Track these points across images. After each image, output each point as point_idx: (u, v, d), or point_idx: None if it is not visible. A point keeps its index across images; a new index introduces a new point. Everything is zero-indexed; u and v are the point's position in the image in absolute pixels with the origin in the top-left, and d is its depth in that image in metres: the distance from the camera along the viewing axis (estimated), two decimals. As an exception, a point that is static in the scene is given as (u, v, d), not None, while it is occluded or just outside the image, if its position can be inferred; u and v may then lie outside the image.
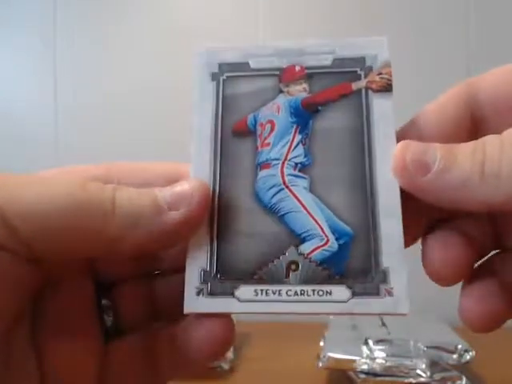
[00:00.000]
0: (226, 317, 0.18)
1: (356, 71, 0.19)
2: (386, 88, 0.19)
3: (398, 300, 0.17)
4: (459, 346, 0.41)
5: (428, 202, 0.17)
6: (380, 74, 0.19)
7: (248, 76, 0.20)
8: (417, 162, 0.16)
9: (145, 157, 0.81)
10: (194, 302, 0.17)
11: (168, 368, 0.19)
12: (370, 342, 0.42)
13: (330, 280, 0.17)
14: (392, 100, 0.19)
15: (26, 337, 0.17)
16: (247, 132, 0.19)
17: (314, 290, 0.17)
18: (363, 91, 0.19)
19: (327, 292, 0.17)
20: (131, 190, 0.17)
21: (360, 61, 0.19)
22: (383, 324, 0.47)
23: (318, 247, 0.18)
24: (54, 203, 0.15)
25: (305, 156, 0.19)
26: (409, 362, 0.40)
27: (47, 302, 0.18)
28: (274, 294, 0.17)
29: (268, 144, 0.19)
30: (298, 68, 0.20)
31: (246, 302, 0.17)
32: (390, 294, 0.17)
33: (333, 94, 0.19)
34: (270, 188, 0.19)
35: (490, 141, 0.16)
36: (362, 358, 0.41)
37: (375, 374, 0.41)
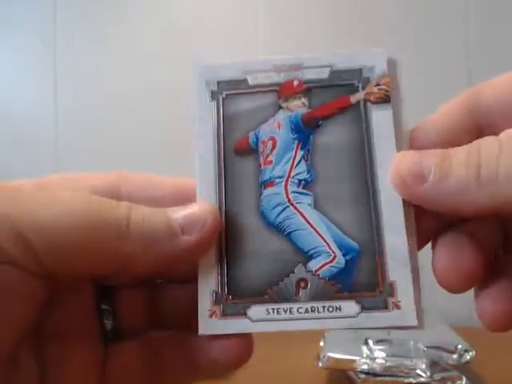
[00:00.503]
0: (244, 335, 0.18)
1: (353, 83, 0.19)
2: (384, 99, 0.19)
3: (406, 313, 0.17)
4: (459, 346, 0.41)
5: (432, 211, 0.17)
6: (378, 85, 0.19)
7: (247, 93, 0.20)
8: (413, 173, 0.17)
9: (144, 157, 0.81)
10: (208, 324, 0.18)
11: (174, 374, 0.19)
12: (370, 342, 0.42)
13: (339, 296, 0.18)
14: (392, 110, 0.19)
15: (28, 343, 0.17)
16: (249, 150, 0.19)
17: (324, 307, 0.17)
18: (362, 103, 0.19)
19: (337, 308, 0.17)
20: (145, 209, 0.17)
21: (357, 73, 0.19)
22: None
23: (326, 263, 0.18)
24: (69, 221, 0.15)
25: (308, 172, 0.19)
26: (409, 362, 0.40)
27: (48, 307, 0.18)
28: (286, 312, 0.18)
29: (270, 162, 0.19)
30: (296, 83, 0.19)
31: (259, 322, 0.18)
32: (397, 307, 0.17)
33: (332, 108, 0.19)
34: (275, 206, 0.19)
35: (486, 142, 0.16)
36: (362, 357, 0.41)
37: (375, 374, 0.40)
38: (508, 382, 0.43)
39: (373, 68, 0.19)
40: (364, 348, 0.42)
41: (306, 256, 0.18)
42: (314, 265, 0.18)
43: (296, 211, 0.19)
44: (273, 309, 0.18)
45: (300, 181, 0.19)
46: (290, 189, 0.19)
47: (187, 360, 0.18)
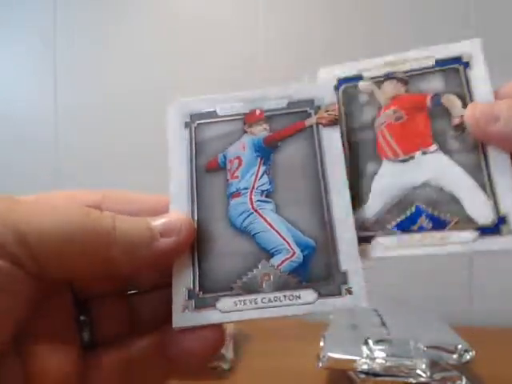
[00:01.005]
0: (215, 326, 0.20)
1: (306, 110, 0.23)
2: (334, 122, 0.22)
3: (357, 297, 0.19)
4: (459, 346, 0.41)
5: (507, 150, 0.19)
6: (327, 111, 0.23)
7: (216, 122, 0.23)
8: (486, 115, 0.19)
9: (144, 157, 0.81)
10: (181, 318, 0.20)
11: (157, 376, 0.20)
12: (370, 342, 0.42)
13: (298, 286, 0.20)
14: (339, 131, 0.22)
15: (14, 344, 0.18)
16: (218, 168, 0.22)
17: (285, 296, 0.20)
18: (314, 127, 0.23)
19: (297, 296, 0.20)
20: (127, 218, 0.19)
21: (310, 102, 0.23)
22: (383, 324, 0.47)
23: (286, 259, 0.21)
24: (65, 229, 0.17)
25: (269, 183, 0.22)
26: (409, 362, 0.40)
27: (35, 311, 0.18)
28: (251, 302, 0.20)
29: (237, 177, 0.22)
30: (258, 112, 0.23)
31: (227, 313, 0.20)
32: (350, 292, 0.20)
33: (289, 131, 0.23)
34: (241, 213, 0.22)
35: None
36: (362, 357, 0.41)
37: (375, 374, 0.41)
38: (508, 382, 0.43)
39: (323, 98, 0.23)
40: (364, 348, 0.42)
41: (269, 253, 0.21)
42: (275, 261, 0.21)
43: (259, 216, 0.21)
44: (240, 300, 0.20)
45: (263, 191, 0.22)
46: (254, 198, 0.22)
47: (164, 358, 0.20)
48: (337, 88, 0.24)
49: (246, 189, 0.22)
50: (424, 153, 0.22)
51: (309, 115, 0.23)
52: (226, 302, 0.20)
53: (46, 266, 0.17)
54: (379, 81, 0.24)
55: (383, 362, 0.40)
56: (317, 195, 0.21)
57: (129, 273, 0.20)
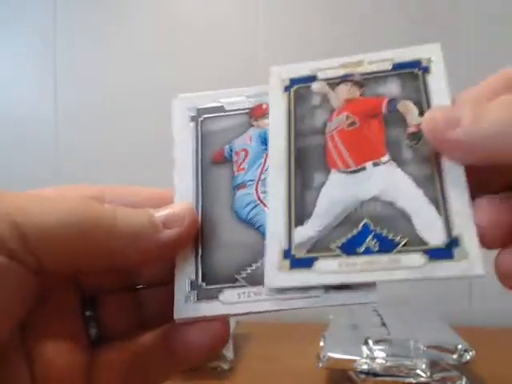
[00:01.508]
0: (219, 318, 0.19)
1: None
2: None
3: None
4: (459, 346, 0.41)
5: (464, 162, 0.17)
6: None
7: (222, 116, 0.23)
8: (446, 117, 0.16)
9: (144, 157, 0.81)
10: (183, 309, 0.19)
11: (162, 371, 0.20)
12: (370, 342, 0.42)
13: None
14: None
15: (18, 340, 0.17)
16: (224, 160, 0.22)
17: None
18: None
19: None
20: (129, 209, 0.18)
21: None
22: (383, 324, 0.47)
23: None
24: (65, 221, 0.16)
25: None
26: (409, 362, 0.40)
27: (38, 306, 0.18)
28: (256, 294, 0.19)
29: (243, 169, 0.22)
30: (264, 106, 0.23)
31: (229, 305, 0.19)
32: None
33: None
34: (247, 205, 0.21)
35: None
36: (362, 358, 0.41)
37: (375, 374, 0.41)
38: (508, 382, 0.43)
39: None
40: (364, 348, 0.42)
41: None
42: None
43: (265, 207, 0.21)
44: (243, 292, 0.19)
45: None
46: (260, 189, 0.21)
47: (168, 352, 0.19)
48: (288, 89, 0.23)
49: (251, 181, 0.21)
50: (376, 164, 0.20)
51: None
52: (229, 294, 0.19)
53: (46, 260, 0.16)
54: (334, 83, 0.22)
55: (383, 361, 0.41)
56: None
57: (132, 266, 0.19)
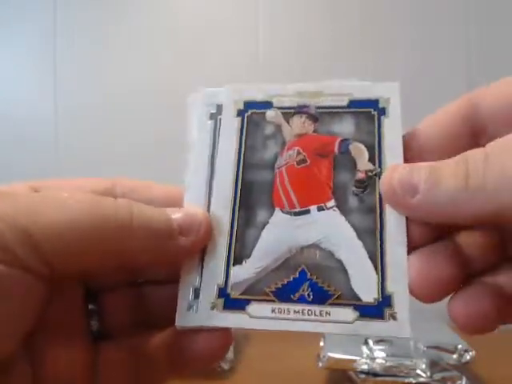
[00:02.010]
0: (222, 330, 0.19)
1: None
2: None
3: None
4: (459, 346, 0.41)
5: (421, 221, 0.17)
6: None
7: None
8: (404, 185, 0.17)
9: (144, 157, 0.81)
10: (185, 317, 0.19)
11: (162, 372, 0.20)
12: (370, 342, 0.42)
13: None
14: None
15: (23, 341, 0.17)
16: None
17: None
18: None
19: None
20: (146, 207, 0.18)
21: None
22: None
23: None
24: (73, 221, 0.16)
25: None
26: (409, 362, 0.40)
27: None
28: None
29: None
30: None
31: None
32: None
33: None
34: None
35: (473, 155, 0.16)
36: (362, 357, 0.41)
37: (375, 374, 0.41)
38: (508, 382, 0.43)
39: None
40: (364, 348, 0.42)
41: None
42: None
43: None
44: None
45: None
46: None
47: (170, 356, 0.19)
48: (241, 113, 0.22)
49: None
50: (320, 208, 0.20)
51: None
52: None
53: (58, 265, 0.16)
54: (288, 112, 0.21)
55: (383, 361, 0.41)
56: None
57: (141, 266, 0.19)
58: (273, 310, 0.18)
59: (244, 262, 0.19)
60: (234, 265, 0.19)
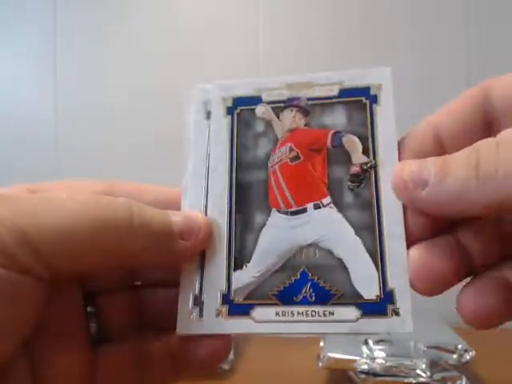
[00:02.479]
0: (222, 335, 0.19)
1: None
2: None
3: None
4: (459, 346, 0.41)
5: (433, 215, 0.17)
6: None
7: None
8: (414, 179, 0.17)
9: (144, 157, 0.81)
10: (186, 324, 0.18)
11: (162, 375, 0.20)
12: (370, 342, 0.42)
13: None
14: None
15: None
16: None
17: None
18: None
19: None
20: (147, 207, 0.18)
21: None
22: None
23: None
24: (72, 223, 0.15)
25: None
26: (409, 362, 0.40)
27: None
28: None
29: None
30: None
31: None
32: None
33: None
34: None
35: (484, 144, 0.16)
36: (362, 357, 0.41)
37: (375, 374, 0.41)
38: (508, 382, 0.43)
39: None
40: (364, 348, 0.42)
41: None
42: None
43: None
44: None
45: None
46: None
47: (171, 359, 0.19)
48: (231, 110, 0.21)
49: None
50: (316, 206, 0.19)
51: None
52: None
53: (58, 269, 0.15)
54: (278, 107, 0.21)
55: (383, 361, 0.40)
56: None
57: (139, 267, 0.19)
58: (277, 313, 0.18)
59: (244, 267, 0.19)
60: (234, 270, 0.19)
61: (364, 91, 0.20)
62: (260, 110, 0.21)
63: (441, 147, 0.19)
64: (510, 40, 0.67)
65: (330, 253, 0.19)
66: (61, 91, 0.78)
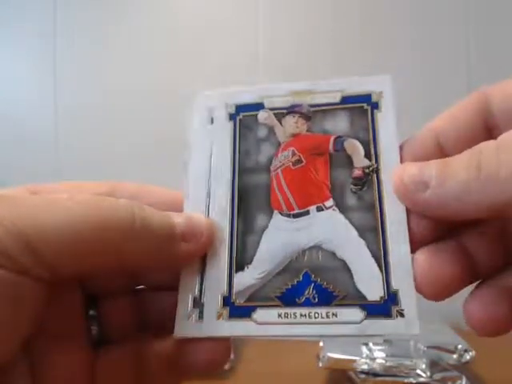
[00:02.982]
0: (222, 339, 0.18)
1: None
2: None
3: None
4: (459, 346, 0.41)
5: (435, 217, 0.17)
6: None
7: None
8: (415, 182, 0.17)
9: (144, 157, 0.81)
10: (183, 327, 0.18)
11: (162, 378, 0.20)
12: (370, 343, 0.42)
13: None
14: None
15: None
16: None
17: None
18: None
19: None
20: (149, 208, 0.17)
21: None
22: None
23: None
24: (73, 224, 0.15)
25: None
26: (409, 362, 0.40)
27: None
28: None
29: None
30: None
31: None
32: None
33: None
34: None
35: (485, 146, 0.16)
36: (362, 358, 0.41)
37: (375, 374, 0.41)
38: (508, 382, 0.43)
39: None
40: (364, 348, 0.42)
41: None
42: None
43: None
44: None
45: None
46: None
47: (171, 362, 0.19)
48: (233, 116, 0.21)
49: None
50: (319, 209, 0.19)
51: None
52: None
53: (58, 270, 0.15)
54: (281, 113, 0.21)
55: (383, 361, 0.40)
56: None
57: (140, 268, 0.19)
58: (279, 315, 0.18)
59: (246, 269, 0.19)
60: (236, 272, 0.19)
61: (365, 98, 0.21)
62: (262, 115, 0.21)
63: (442, 152, 0.19)
64: (510, 40, 0.67)
65: (333, 254, 0.19)
66: (61, 91, 0.78)
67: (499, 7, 0.68)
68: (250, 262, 0.19)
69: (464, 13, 0.69)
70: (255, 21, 0.73)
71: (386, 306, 0.17)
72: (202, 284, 0.19)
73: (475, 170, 0.16)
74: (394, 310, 0.17)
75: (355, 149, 0.20)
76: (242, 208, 0.20)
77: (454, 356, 0.40)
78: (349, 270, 0.18)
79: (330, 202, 0.19)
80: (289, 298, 0.18)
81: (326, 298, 0.18)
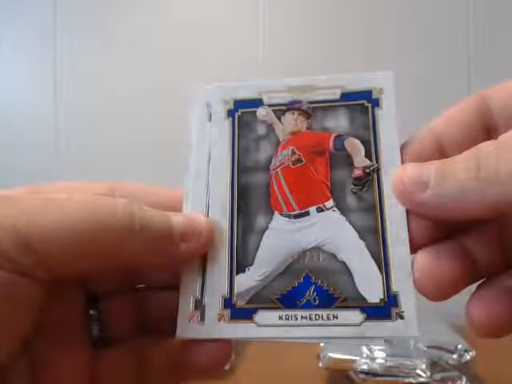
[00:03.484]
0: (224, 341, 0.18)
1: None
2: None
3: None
4: (459, 346, 0.41)
5: (435, 218, 0.17)
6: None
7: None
8: (414, 182, 0.17)
9: (144, 157, 0.81)
10: (186, 328, 0.18)
11: (163, 379, 0.20)
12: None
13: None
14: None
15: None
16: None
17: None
18: None
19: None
20: (148, 208, 0.17)
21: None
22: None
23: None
24: (72, 225, 0.15)
25: None
26: (409, 362, 0.40)
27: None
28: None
29: None
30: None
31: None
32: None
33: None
34: None
35: (484, 146, 0.16)
36: (362, 358, 0.41)
37: (375, 374, 0.40)
38: (508, 382, 0.43)
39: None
40: (364, 348, 0.42)
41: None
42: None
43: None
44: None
45: None
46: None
47: (172, 363, 0.19)
48: (232, 113, 0.21)
49: None
50: (320, 209, 0.19)
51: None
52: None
53: (57, 270, 0.15)
54: (280, 110, 0.21)
55: (383, 361, 0.40)
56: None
57: (139, 269, 0.19)
58: (280, 317, 0.18)
59: (247, 270, 0.19)
60: (237, 274, 0.19)
61: (366, 95, 0.20)
62: (261, 112, 0.21)
63: (441, 152, 0.19)
64: (510, 40, 0.67)
65: (334, 256, 0.19)
66: (61, 91, 0.78)
67: (499, 7, 0.68)
68: (251, 264, 0.19)
69: (464, 13, 0.69)
70: (255, 21, 0.73)
71: (385, 308, 0.17)
72: (202, 285, 0.19)
73: (474, 170, 0.16)
74: (394, 312, 0.17)
75: (356, 148, 0.20)
76: (242, 208, 0.20)
77: (454, 356, 0.40)
78: (349, 272, 0.18)
79: (330, 203, 0.19)
80: (289, 300, 0.18)
81: (327, 301, 0.18)
